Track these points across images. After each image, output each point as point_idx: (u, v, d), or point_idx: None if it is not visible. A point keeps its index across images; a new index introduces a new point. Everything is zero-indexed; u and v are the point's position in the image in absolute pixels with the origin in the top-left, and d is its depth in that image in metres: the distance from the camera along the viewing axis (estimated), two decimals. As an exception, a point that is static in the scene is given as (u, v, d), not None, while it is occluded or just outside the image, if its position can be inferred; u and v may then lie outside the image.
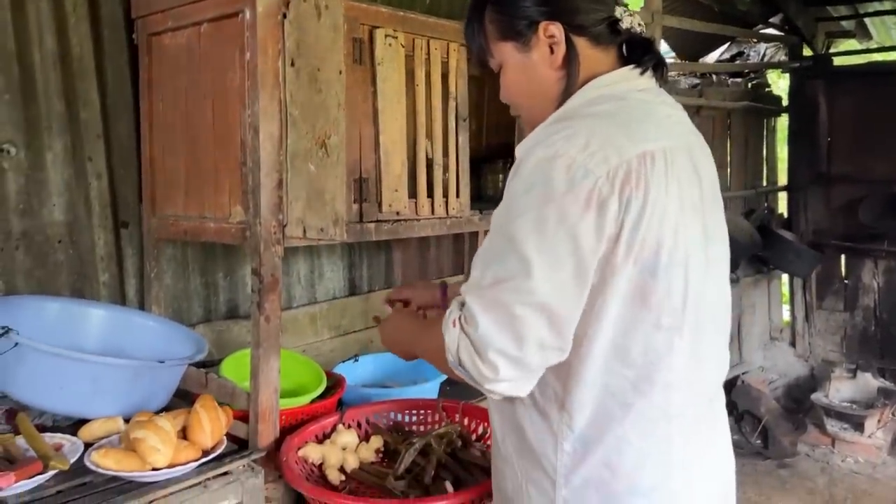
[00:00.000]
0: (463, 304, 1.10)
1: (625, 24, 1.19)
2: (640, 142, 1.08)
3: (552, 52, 1.17)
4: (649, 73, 1.19)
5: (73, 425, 1.60)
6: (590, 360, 1.11)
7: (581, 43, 1.17)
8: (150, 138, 1.96)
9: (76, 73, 1.91)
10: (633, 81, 1.18)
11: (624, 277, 1.07)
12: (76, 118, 1.92)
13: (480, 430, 1.84)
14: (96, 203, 1.97)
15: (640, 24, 1.21)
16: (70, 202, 1.92)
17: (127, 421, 1.54)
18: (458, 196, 2.10)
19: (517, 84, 1.23)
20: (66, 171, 1.91)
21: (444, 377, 2.17)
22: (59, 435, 1.52)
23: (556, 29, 1.16)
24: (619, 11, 1.19)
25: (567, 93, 1.18)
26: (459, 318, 1.09)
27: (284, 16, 1.61)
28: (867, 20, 5.22)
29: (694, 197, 1.14)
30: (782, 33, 5.34)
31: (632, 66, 1.19)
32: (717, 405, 1.27)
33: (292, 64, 1.63)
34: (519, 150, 1.15)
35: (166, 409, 1.67)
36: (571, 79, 1.17)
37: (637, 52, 1.21)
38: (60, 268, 1.92)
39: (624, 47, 1.21)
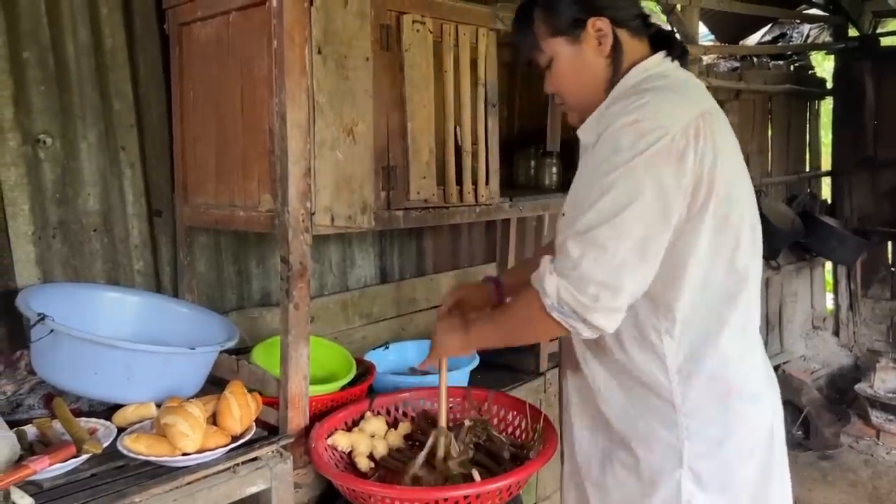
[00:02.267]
0: (553, 257, 1.29)
1: (654, 19, 1.44)
2: (697, 103, 1.31)
3: (600, 43, 1.39)
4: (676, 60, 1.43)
5: (108, 410, 1.64)
6: (686, 289, 1.32)
7: (623, 34, 1.40)
8: (181, 127, 1.98)
9: (109, 64, 1.94)
10: (665, 65, 1.41)
11: (709, 212, 1.28)
12: (109, 108, 1.95)
13: (509, 417, 1.83)
14: (130, 192, 2.00)
15: (660, 21, 1.43)
16: (104, 191, 1.95)
17: (159, 406, 1.57)
18: (487, 183, 2.08)
19: (568, 74, 1.43)
20: (100, 160, 1.94)
21: (475, 365, 2.17)
22: (94, 420, 1.55)
23: (603, 23, 1.38)
24: (644, 9, 1.44)
25: (614, 79, 1.40)
26: (556, 265, 1.28)
27: (311, 3, 1.60)
28: (917, -2, 5.02)
29: (736, 144, 1.39)
30: (826, 13, 5.18)
31: (663, 54, 1.41)
32: None
33: (319, 51, 1.62)
34: (585, 131, 1.42)
35: (198, 395, 1.70)
36: (617, 66, 1.39)
37: (663, 42, 1.43)
38: (96, 256, 1.95)
39: (652, 38, 1.44)
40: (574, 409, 1.56)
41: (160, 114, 2.04)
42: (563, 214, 1.45)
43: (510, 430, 1.81)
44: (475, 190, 2.06)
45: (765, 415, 1.43)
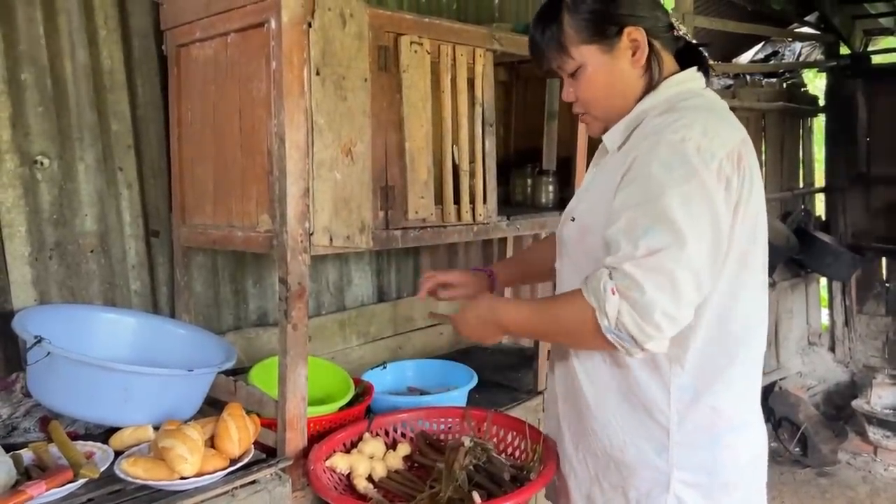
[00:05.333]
0: (612, 275, 1.22)
1: (681, 31, 1.40)
2: (737, 129, 1.30)
3: (634, 54, 1.34)
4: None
5: (105, 433, 1.62)
6: (703, 319, 1.29)
7: (656, 46, 1.36)
8: (179, 148, 1.98)
9: (107, 85, 1.94)
10: (697, 81, 1.38)
11: (736, 243, 1.27)
12: (107, 129, 1.95)
13: (509, 438, 1.82)
14: (127, 213, 2.00)
15: (686, 33, 1.40)
16: (102, 212, 1.95)
17: (157, 429, 1.55)
18: (485, 202, 2.09)
19: (598, 84, 1.37)
20: (97, 181, 1.93)
21: (473, 384, 2.16)
22: (91, 443, 1.54)
23: (639, 34, 1.33)
24: (673, 20, 1.40)
25: (646, 91, 1.36)
26: (617, 287, 1.21)
27: (310, 25, 1.61)
28: (906, 16, 5.09)
29: (761, 176, 1.35)
30: (818, 32, 5.24)
31: (696, 69, 1.38)
32: None
33: (317, 73, 1.63)
34: (611, 137, 1.39)
35: (196, 416, 1.68)
36: (653, 78, 1.36)
37: (690, 56, 1.40)
38: (93, 277, 1.94)
39: (677, 52, 1.40)
40: (564, 422, 1.55)
41: (158, 135, 2.04)
42: (573, 220, 1.45)
43: (510, 450, 1.80)
44: (473, 209, 2.06)
45: (750, 443, 1.41)
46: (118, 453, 1.50)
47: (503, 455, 1.76)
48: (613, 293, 1.21)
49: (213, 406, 1.77)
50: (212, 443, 1.51)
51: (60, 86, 1.86)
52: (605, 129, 1.43)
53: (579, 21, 1.35)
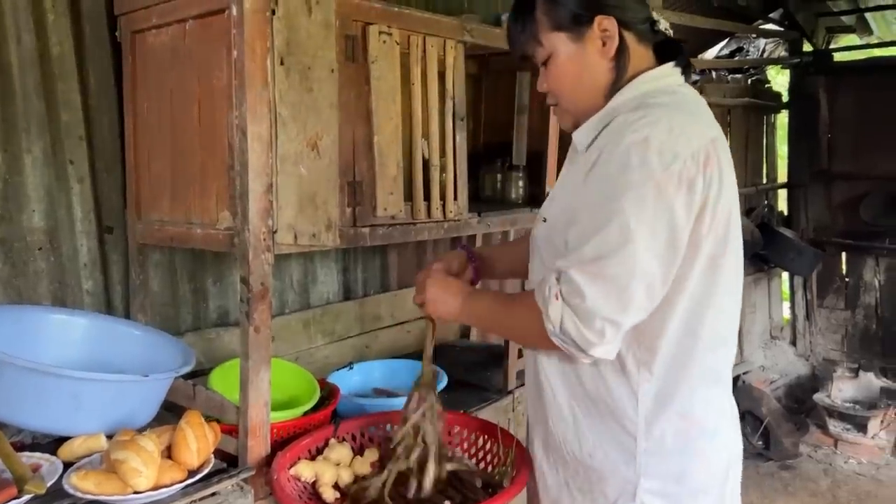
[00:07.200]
0: (559, 278, 1.22)
1: (661, 26, 1.34)
2: (708, 128, 1.25)
3: (604, 44, 1.29)
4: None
5: (54, 443, 1.53)
6: (672, 323, 1.25)
7: (629, 38, 1.30)
8: (134, 140, 1.88)
9: (56, 73, 1.83)
10: (674, 77, 1.33)
11: (705, 247, 1.22)
12: (56, 120, 1.84)
13: (479, 442, 1.76)
14: (79, 208, 1.90)
15: (667, 28, 1.35)
16: (51, 207, 1.84)
17: (110, 437, 1.47)
18: (455, 198, 2.03)
19: (566, 73, 1.33)
20: (46, 174, 1.83)
21: (443, 385, 2.10)
22: (38, 454, 1.45)
23: (610, 23, 1.28)
24: (653, 14, 1.34)
25: (616, 85, 1.30)
26: (561, 292, 1.21)
27: (273, 12, 1.53)
28: (868, 15, 5.17)
29: (734, 177, 1.30)
30: (782, 28, 5.29)
31: (673, 64, 1.32)
32: None
33: (282, 62, 1.56)
34: (581, 134, 1.34)
35: (152, 422, 1.60)
36: (621, 71, 1.30)
37: (669, 52, 1.34)
38: (41, 276, 1.84)
39: (656, 47, 1.35)
40: (534, 426, 1.51)
41: (112, 125, 1.94)
42: (545, 220, 1.42)
43: (480, 454, 1.75)
44: (443, 205, 2.00)
45: (723, 449, 1.37)
46: (67, 465, 1.41)
47: (474, 460, 1.71)
48: (557, 298, 1.21)
49: (170, 411, 1.69)
50: (168, 453, 1.43)
51: (5, 73, 1.75)
52: (576, 124, 1.38)
53: (551, 6, 1.31)
